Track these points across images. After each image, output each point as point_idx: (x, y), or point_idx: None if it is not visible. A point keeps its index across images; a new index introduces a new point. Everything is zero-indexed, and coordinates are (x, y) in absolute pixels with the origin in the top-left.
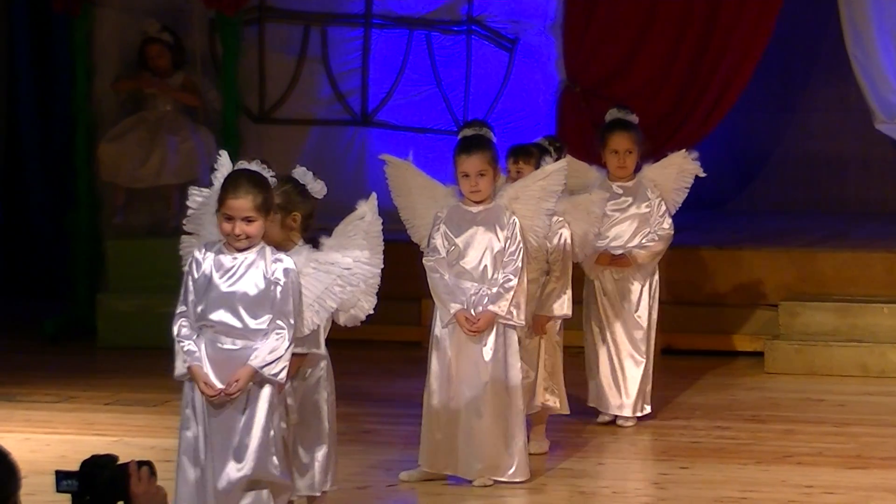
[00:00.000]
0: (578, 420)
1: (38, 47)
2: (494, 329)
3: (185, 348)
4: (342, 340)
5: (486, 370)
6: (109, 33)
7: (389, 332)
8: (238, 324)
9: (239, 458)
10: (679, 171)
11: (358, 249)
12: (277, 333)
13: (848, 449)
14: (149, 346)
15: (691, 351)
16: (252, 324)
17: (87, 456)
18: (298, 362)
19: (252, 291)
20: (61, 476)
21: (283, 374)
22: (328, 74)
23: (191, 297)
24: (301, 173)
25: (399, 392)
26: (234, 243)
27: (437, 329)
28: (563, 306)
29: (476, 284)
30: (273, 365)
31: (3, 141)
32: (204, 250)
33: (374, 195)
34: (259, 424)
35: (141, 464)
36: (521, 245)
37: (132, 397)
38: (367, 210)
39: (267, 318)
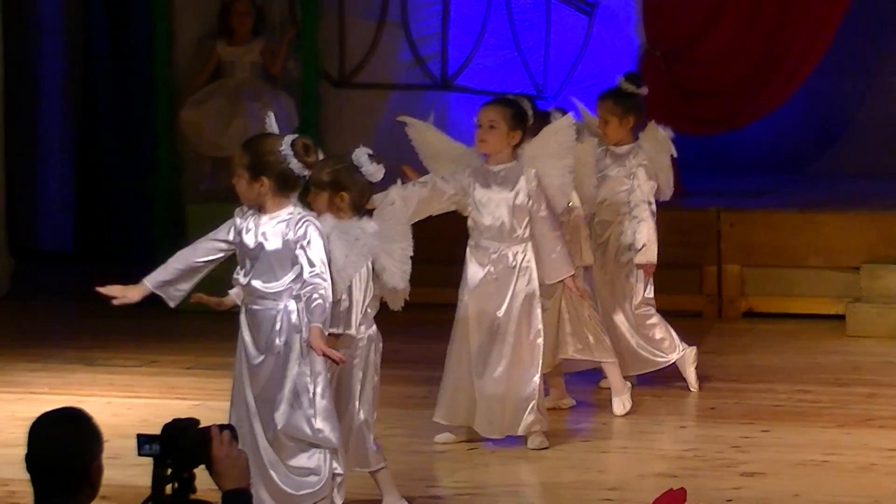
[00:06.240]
0: (656, 384)
1: (113, 12)
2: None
3: None
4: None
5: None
6: None
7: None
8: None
9: (273, 413)
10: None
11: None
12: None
13: None
14: (230, 311)
15: (772, 314)
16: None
17: (169, 420)
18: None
19: (275, 250)
20: (143, 440)
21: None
22: (408, 39)
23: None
24: (358, 155)
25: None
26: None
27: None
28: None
29: (496, 243)
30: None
31: (79, 107)
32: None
33: (399, 181)
34: (291, 377)
35: (222, 427)
36: (545, 199)
37: (213, 361)
38: (396, 196)
39: (289, 277)
